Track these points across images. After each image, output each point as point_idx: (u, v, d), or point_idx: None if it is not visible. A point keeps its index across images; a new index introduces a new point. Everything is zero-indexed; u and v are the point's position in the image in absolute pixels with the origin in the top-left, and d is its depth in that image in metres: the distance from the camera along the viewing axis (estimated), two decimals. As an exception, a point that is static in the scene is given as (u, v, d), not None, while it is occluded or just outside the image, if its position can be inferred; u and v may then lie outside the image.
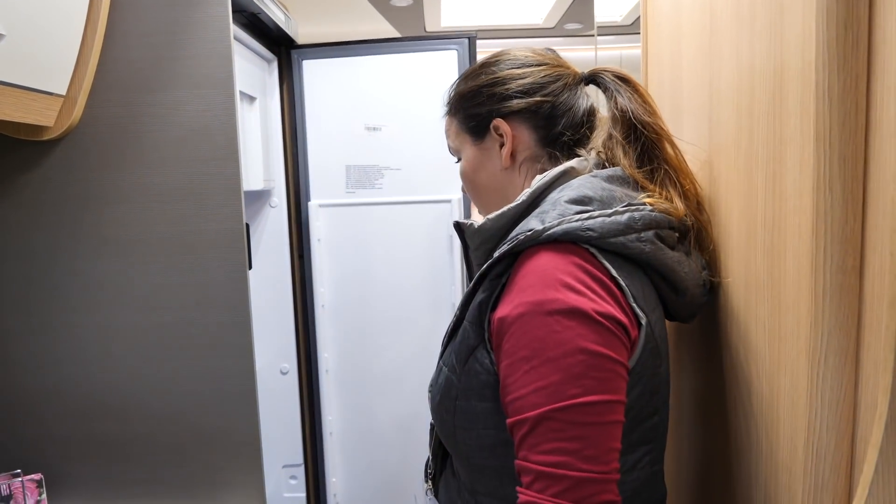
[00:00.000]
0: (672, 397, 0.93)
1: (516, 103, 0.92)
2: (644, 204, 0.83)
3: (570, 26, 3.27)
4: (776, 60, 0.78)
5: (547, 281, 0.75)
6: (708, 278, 0.92)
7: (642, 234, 0.80)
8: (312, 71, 1.69)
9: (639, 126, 0.90)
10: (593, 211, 0.79)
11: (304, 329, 1.78)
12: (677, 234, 0.87)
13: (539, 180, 0.88)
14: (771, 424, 0.83)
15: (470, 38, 1.72)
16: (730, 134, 0.91)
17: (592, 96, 0.97)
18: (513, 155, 0.94)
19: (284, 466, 1.80)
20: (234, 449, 1.31)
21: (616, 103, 0.91)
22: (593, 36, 3.66)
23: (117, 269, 1.28)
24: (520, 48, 0.98)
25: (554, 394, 0.71)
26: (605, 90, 0.94)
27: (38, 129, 1.21)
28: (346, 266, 1.73)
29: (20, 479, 1.24)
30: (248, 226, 1.29)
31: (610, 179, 0.87)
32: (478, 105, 0.95)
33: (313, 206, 1.70)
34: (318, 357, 1.75)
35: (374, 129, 1.70)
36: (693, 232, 0.90)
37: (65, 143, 1.25)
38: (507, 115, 0.93)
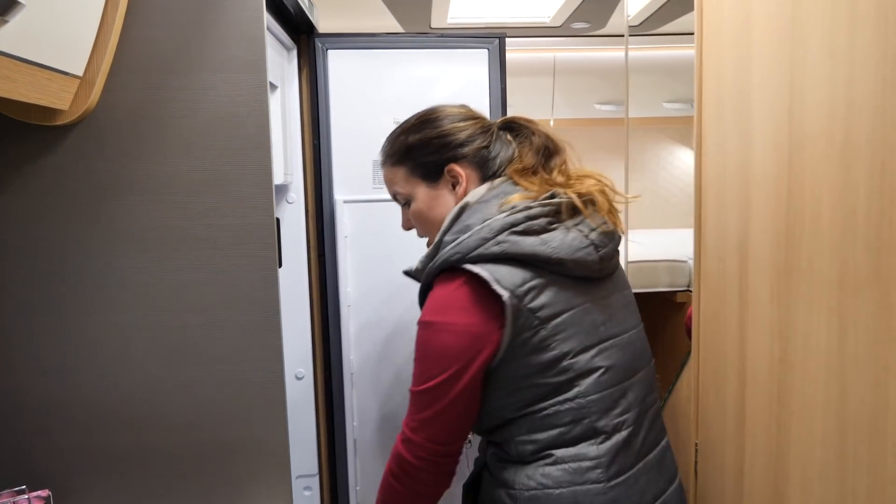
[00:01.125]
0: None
1: (466, 150, 1.16)
2: (506, 210, 1.06)
3: (578, 25, 3.22)
4: (887, 46, 0.72)
5: (428, 308, 1.10)
6: (602, 237, 1.09)
7: (497, 238, 1.03)
8: (338, 61, 1.60)
9: (549, 146, 1.18)
10: (465, 237, 1.05)
11: (321, 331, 1.69)
12: (546, 218, 1.06)
13: (446, 220, 1.13)
14: (875, 434, 0.77)
15: (500, 38, 1.66)
16: (818, 125, 0.85)
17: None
18: (464, 192, 1.15)
19: (298, 477, 1.71)
20: (259, 461, 1.21)
21: (529, 138, 1.19)
22: (601, 36, 3.62)
23: (135, 266, 1.18)
24: (447, 106, 1.23)
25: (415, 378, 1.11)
26: (518, 132, 1.21)
27: (51, 112, 1.11)
28: (371, 264, 1.64)
29: (26, 496, 1.13)
30: (278, 220, 1.20)
31: (497, 196, 1.10)
32: (429, 154, 1.17)
33: (339, 201, 1.61)
34: (343, 360, 1.66)
35: (403, 123, 1.62)
36: (581, 203, 1.09)
37: (79, 129, 1.15)
38: (458, 161, 1.16)
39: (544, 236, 1.05)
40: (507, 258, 1.02)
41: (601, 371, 1.07)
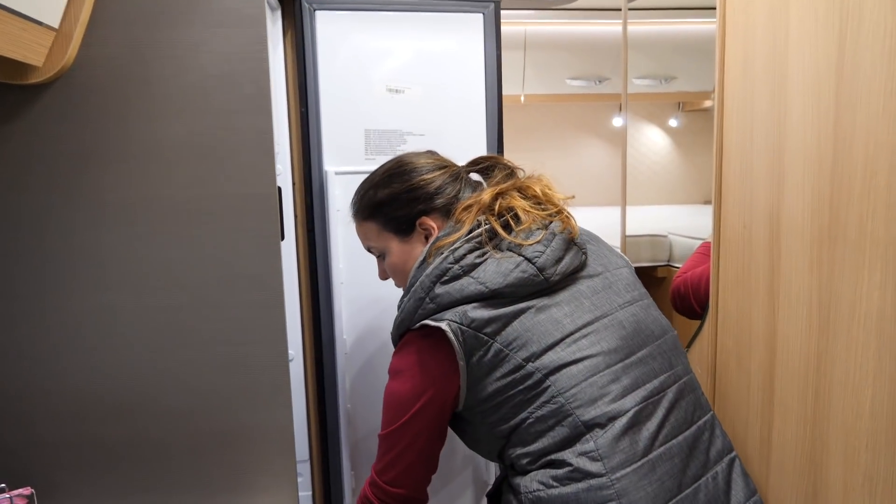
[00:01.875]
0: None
1: (437, 202, 1.16)
2: (435, 259, 1.10)
3: (555, -5, 3.15)
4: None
5: (391, 363, 1.15)
6: (540, 248, 1.08)
7: (430, 294, 1.07)
8: (326, 23, 1.49)
9: (516, 173, 1.22)
10: (405, 302, 1.12)
11: (311, 311, 1.60)
12: (474, 253, 1.08)
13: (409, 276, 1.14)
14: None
15: (495, 3, 1.59)
16: (877, 81, 0.80)
17: None
18: None
19: (289, 463, 1.63)
20: (262, 449, 1.14)
21: (496, 176, 1.20)
22: (618, 10, 3.56)
23: (121, 241, 1.07)
24: (414, 155, 1.23)
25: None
26: (486, 172, 1.23)
27: (24, 69, 0.99)
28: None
29: (6, 494, 1.03)
30: (280, 190, 1.11)
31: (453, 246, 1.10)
32: (399, 208, 1.17)
33: (330, 173, 1.52)
34: (336, 340, 1.58)
35: (397, 91, 1.54)
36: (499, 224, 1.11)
37: (56, 88, 1.04)
38: (430, 213, 1.16)
39: (474, 273, 1.06)
40: (444, 309, 1.05)
41: (574, 362, 1.03)
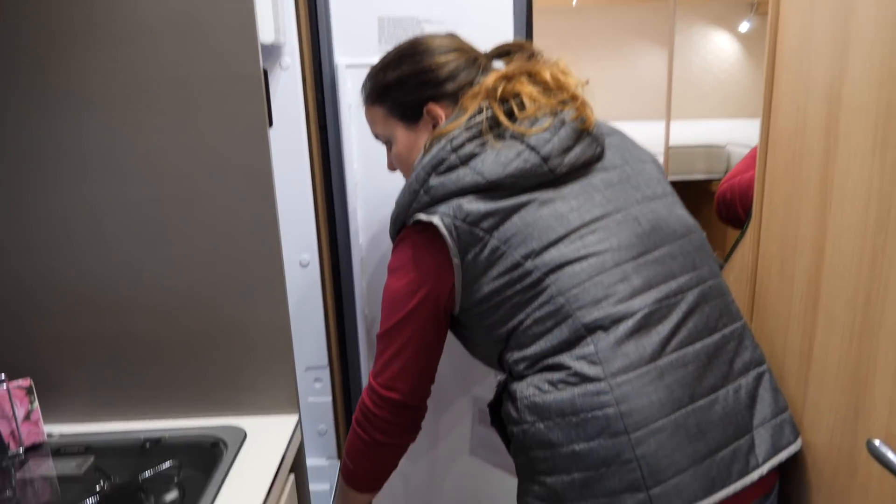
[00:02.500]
0: None
1: (448, 87, 1.06)
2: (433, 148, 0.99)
3: None
4: None
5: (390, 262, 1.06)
6: (546, 136, 0.96)
7: (425, 186, 0.97)
8: None
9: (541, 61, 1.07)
10: (400, 195, 1.03)
11: (326, 213, 1.53)
12: (474, 142, 0.97)
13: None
14: None
15: None
16: None
17: None
18: None
19: (308, 369, 1.60)
20: (258, 347, 1.09)
21: (514, 63, 1.06)
22: None
23: (101, 128, 1.01)
24: (431, 37, 1.10)
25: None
26: (509, 56, 1.09)
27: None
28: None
29: (5, 384, 1.02)
30: (265, 72, 1.01)
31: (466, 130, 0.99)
32: (407, 93, 1.07)
33: (341, 65, 1.41)
34: (351, 243, 1.51)
35: (413, -31, 1.39)
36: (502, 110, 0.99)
37: (20, -43, 0.95)
38: (439, 99, 1.06)
39: (472, 163, 0.96)
40: (439, 202, 0.97)
41: (578, 260, 0.93)
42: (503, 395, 1.02)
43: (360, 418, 1.07)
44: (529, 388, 0.93)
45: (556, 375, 0.91)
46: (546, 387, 0.91)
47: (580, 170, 1.00)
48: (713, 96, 4.43)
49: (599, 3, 4.07)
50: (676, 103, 2.58)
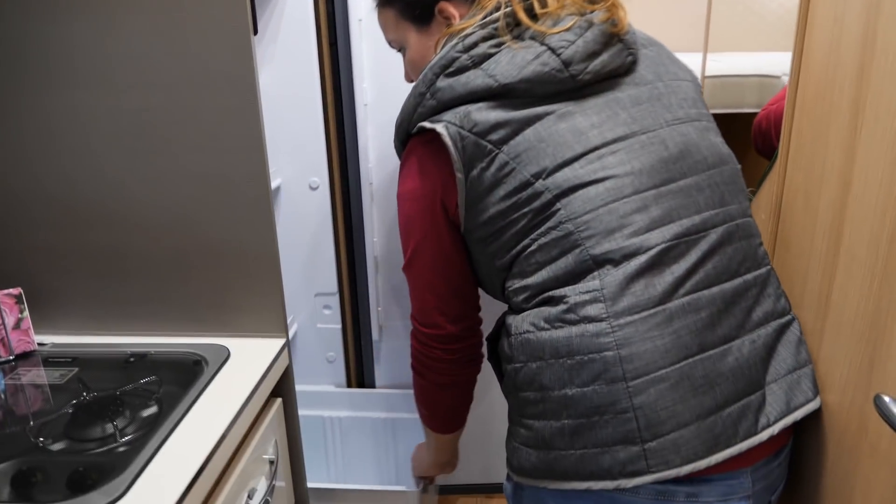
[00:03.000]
0: None
1: None
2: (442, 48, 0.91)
3: None
4: None
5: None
6: (569, 37, 0.86)
7: (431, 88, 0.89)
8: None
9: None
10: (406, 100, 0.95)
11: (337, 135, 1.47)
12: (488, 42, 0.88)
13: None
14: None
15: None
16: None
17: None
18: None
19: (317, 295, 1.59)
20: (246, 266, 1.06)
21: None
22: None
23: (86, 33, 0.97)
24: None
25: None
26: None
27: None
28: (393, 54, 1.38)
29: (-7, 292, 1.03)
30: (250, -27, 0.94)
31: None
32: None
33: (348, -30, 1.33)
34: (361, 168, 1.46)
35: None
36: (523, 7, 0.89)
37: None
38: None
39: (485, 65, 0.87)
40: (446, 107, 0.89)
41: (594, 182, 0.83)
42: (501, 329, 0.96)
43: (416, 364, 1.04)
44: (525, 324, 0.86)
45: (554, 311, 0.83)
46: (542, 324, 0.84)
47: (606, 82, 0.89)
48: (778, 25, 4.10)
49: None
50: (729, 35, 2.38)
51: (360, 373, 1.66)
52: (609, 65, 0.88)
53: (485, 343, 1.04)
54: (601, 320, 0.80)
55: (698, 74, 2.12)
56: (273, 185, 1.43)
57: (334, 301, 1.60)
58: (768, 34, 4.15)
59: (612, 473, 0.80)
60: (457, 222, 0.93)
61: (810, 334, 0.90)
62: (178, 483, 0.75)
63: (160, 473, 0.77)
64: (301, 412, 1.65)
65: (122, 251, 1.07)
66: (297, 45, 1.40)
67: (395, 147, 1.00)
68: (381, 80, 1.41)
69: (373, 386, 1.66)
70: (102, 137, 1.01)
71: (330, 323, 1.61)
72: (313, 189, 1.50)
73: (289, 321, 1.54)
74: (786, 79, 2.71)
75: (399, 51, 1.06)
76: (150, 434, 0.84)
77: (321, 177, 1.49)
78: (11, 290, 1.04)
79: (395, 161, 1.47)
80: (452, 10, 0.95)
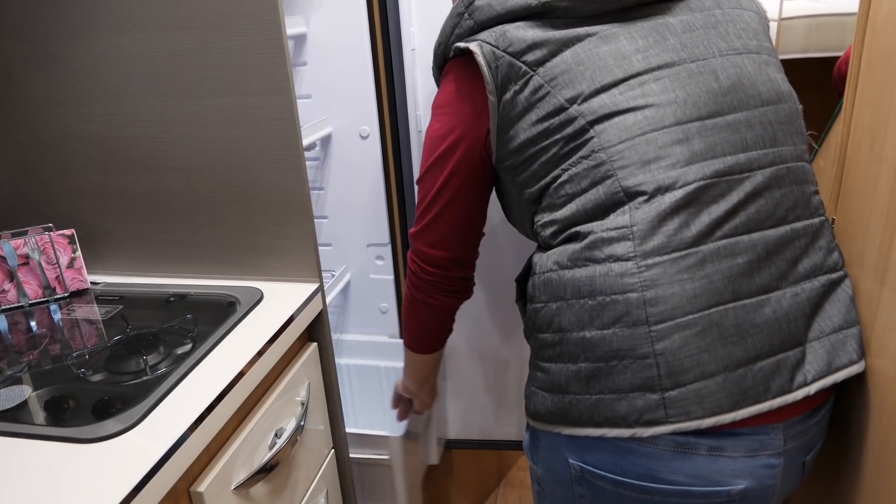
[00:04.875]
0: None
1: None
2: None
3: None
4: None
5: None
6: None
7: (469, 7, 0.86)
8: None
9: None
10: (445, 21, 0.92)
11: (387, 82, 1.45)
12: None
13: None
14: None
15: None
16: None
17: None
18: None
19: (369, 245, 1.59)
20: (277, 210, 1.07)
21: None
22: None
23: (120, -24, 0.98)
24: None
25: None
26: None
27: None
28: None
29: (50, 233, 1.09)
30: None
31: None
32: None
33: None
34: (409, 116, 1.43)
35: None
36: None
37: None
38: None
39: None
40: (482, 28, 0.85)
41: (632, 110, 0.77)
42: (529, 268, 0.93)
43: (409, 275, 1.05)
44: (549, 262, 0.83)
45: (578, 247, 0.79)
46: (566, 261, 0.80)
47: (657, 4, 0.82)
48: None
49: None
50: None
51: (412, 324, 1.67)
52: None
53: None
54: (627, 259, 0.76)
55: (774, 13, 1.93)
56: (323, 133, 1.43)
57: (387, 252, 1.60)
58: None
59: (628, 421, 0.76)
60: (487, 152, 0.89)
61: (866, 295, 0.81)
62: (192, 413, 0.77)
63: (178, 403, 0.79)
64: (355, 361, 1.68)
65: (162, 195, 1.10)
66: (344, -9, 1.37)
67: (434, 75, 0.98)
68: (429, 24, 1.36)
69: (425, 337, 1.66)
70: (139, 80, 1.04)
71: (383, 273, 1.62)
72: (363, 138, 1.49)
73: (341, 271, 1.56)
74: None
75: None
76: (176, 368, 0.87)
77: (371, 125, 1.48)
78: (65, 231, 1.10)
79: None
80: None
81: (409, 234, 1.00)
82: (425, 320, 1.08)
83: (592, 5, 0.80)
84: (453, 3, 1.01)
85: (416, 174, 1.49)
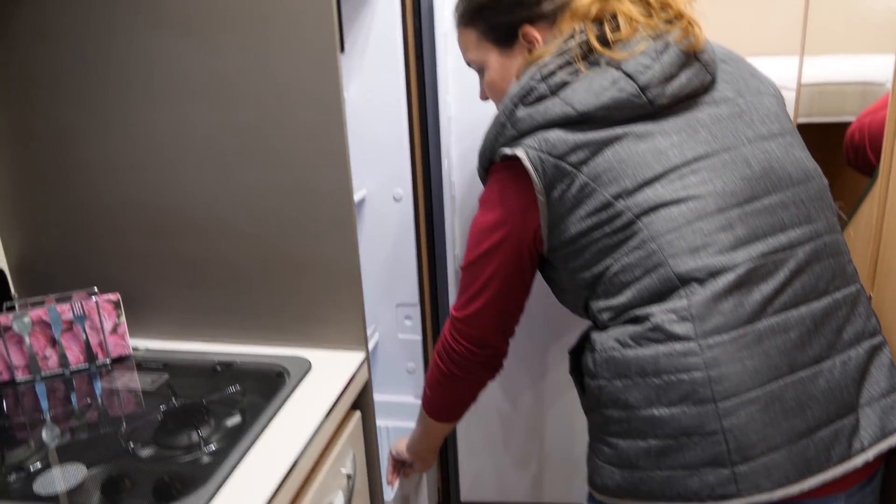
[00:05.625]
0: None
1: (545, 8, 0.94)
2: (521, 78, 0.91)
3: None
4: None
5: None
6: (646, 61, 0.85)
7: (511, 119, 0.89)
8: None
9: None
10: (487, 130, 0.94)
11: (421, 148, 1.47)
12: (565, 70, 0.87)
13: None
14: None
15: None
16: None
17: None
18: None
19: (398, 305, 1.59)
20: (327, 279, 1.07)
21: None
22: None
23: (181, 51, 1.01)
24: None
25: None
26: None
27: None
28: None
29: (95, 297, 1.09)
30: (338, -8, 0.95)
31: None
32: (503, 13, 0.97)
33: (438, -11, 1.32)
34: (444, 181, 1.45)
35: None
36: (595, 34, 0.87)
37: None
38: (535, 21, 0.95)
39: (562, 93, 0.86)
40: (526, 135, 0.88)
41: (676, 202, 0.81)
42: (585, 343, 0.94)
43: (441, 349, 1.05)
44: (610, 341, 0.85)
45: (640, 328, 0.82)
46: (628, 340, 0.83)
47: (685, 101, 0.87)
48: (874, 29, 3.83)
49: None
50: (828, 36, 2.22)
51: (438, 385, 1.66)
52: (687, 86, 0.86)
53: (569, 359, 1.02)
54: (689, 339, 0.79)
55: (794, 80, 1.99)
56: (357, 196, 1.45)
57: (415, 312, 1.60)
58: (872, 35, 3.87)
59: (701, 496, 0.78)
60: (536, 248, 0.93)
61: None
62: (259, 497, 0.76)
63: (241, 486, 0.78)
64: (381, 422, 1.66)
65: (210, 260, 1.11)
66: (383, 60, 1.41)
67: (479, 175, 1.01)
68: (465, 94, 1.39)
69: (451, 398, 1.65)
70: (197, 150, 1.05)
71: (411, 334, 1.62)
72: (397, 200, 1.51)
73: (370, 331, 1.56)
74: (889, 86, 2.52)
75: (478, 71, 1.07)
76: (232, 445, 0.86)
77: (405, 188, 1.50)
78: (110, 296, 1.10)
79: (475, 173, 1.45)
80: (536, 33, 0.95)
81: (453, 314, 1.02)
82: (459, 394, 1.10)
83: (627, 111, 0.84)
84: (483, 98, 1.09)
85: (448, 235, 1.50)
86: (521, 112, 0.88)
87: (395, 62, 1.41)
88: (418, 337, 1.62)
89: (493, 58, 1.01)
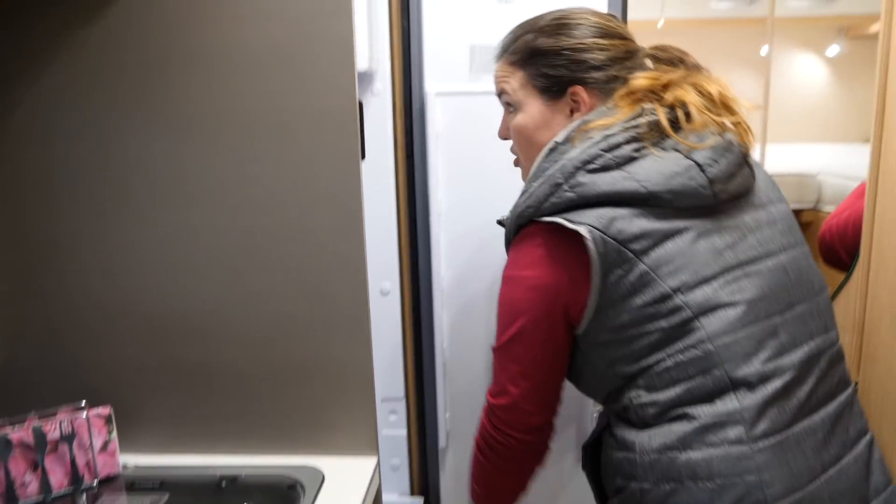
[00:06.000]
0: None
1: (599, 75, 0.96)
2: (583, 144, 0.89)
3: None
4: None
5: (507, 264, 0.97)
6: (713, 154, 0.88)
7: (571, 181, 0.87)
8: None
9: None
10: (537, 185, 0.91)
11: (409, 242, 1.49)
12: (631, 145, 0.88)
13: (537, 159, 0.95)
14: None
15: None
16: None
17: None
18: None
19: (383, 400, 1.56)
20: (341, 384, 1.05)
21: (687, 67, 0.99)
22: None
23: (196, 156, 1.00)
24: (592, 13, 0.99)
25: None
26: (665, 63, 1.00)
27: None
28: (467, 167, 1.40)
29: (85, 412, 1.01)
30: (361, 104, 0.98)
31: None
32: (557, 67, 0.97)
33: (431, 94, 1.37)
34: (433, 274, 1.47)
35: (507, 0, 1.35)
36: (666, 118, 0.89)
37: (129, -10, 0.96)
38: (587, 84, 0.96)
39: (629, 168, 0.87)
40: (586, 203, 0.87)
41: (732, 305, 0.85)
42: (605, 438, 0.94)
43: (482, 443, 1.01)
44: (654, 442, 0.85)
45: (689, 430, 0.83)
46: (676, 443, 0.83)
47: (734, 202, 0.91)
48: (799, 119, 4.25)
49: (683, 26, 3.95)
50: (767, 127, 2.45)
51: (424, 481, 1.62)
52: (741, 187, 0.92)
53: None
54: (742, 443, 0.82)
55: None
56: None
57: (400, 406, 1.57)
58: (794, 126, 4.25)
59: None
60: (573, 321, 0.92)
61: (889, 449, 0.94)
62: None
63: None
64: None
65: (213, 367, 1.06)
66: (375, 154, 1.43)
67: (508, 230, 0.98)
68: (455, 192, 1.43)
69: (437, 495, 1.61)
70: (206, 255, 1.03)
71: (395, 429, 1.58)
72: (384, 294, 1.50)
73: (354, 429, 1.51)
74: (822, 177, 2.78)
75: (506, 106, 1.04)
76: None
77: (392, 282, 1.50)
78: (101, 410, 1.02)
79: (465, 269, 1.48)
80: (585, 96, 0.96)
81: (494, 405, 0.98)
82: (515, 487, 1.06)
83: (691, 200, 0.87)
84: (501, 137, 1.07)
85: (437, 329, 1.50)
86: (585, 178, 0.87)
87: (385, 159, 1.43)
88: (403, 432, 1.58)
89: (535, 104, 0.99)
